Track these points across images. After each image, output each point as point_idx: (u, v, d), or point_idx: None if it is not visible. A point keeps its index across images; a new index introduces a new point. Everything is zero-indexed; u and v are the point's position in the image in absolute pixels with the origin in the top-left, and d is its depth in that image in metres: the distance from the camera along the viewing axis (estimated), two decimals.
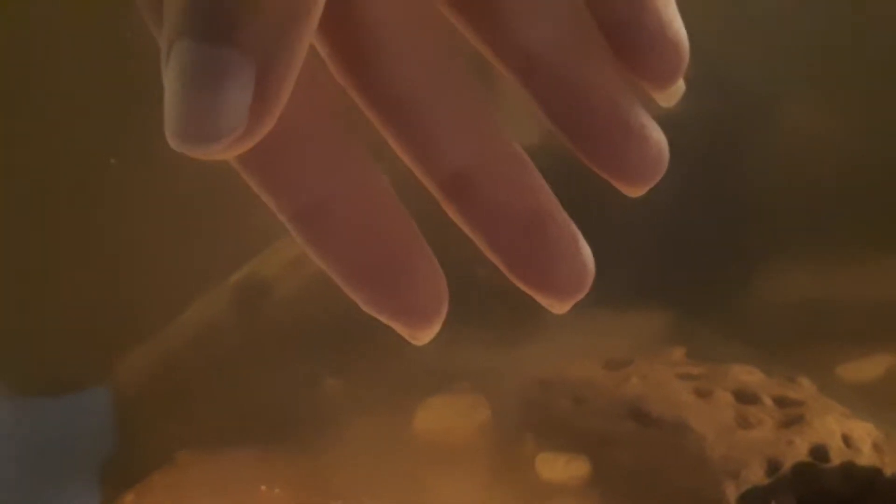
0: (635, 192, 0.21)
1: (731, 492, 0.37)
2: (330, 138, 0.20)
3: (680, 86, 0.21)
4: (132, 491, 0.42)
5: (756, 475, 0.37)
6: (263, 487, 0.42)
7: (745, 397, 0.43)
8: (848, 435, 0.40)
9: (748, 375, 0.45)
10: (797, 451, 0.38)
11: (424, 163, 0.20)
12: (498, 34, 0.20)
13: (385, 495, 0.46)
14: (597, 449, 0.44)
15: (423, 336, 0.20)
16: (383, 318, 0.20)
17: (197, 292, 0.60)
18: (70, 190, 0.54)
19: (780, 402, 0.43)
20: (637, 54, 0.20)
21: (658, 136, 0.20)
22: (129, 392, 0.56)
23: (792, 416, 0.42)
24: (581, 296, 0.21)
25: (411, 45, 0.20)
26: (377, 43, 0.20)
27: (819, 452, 0.39)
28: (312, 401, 0.54)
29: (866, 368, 0.48)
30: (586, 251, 0.21)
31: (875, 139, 0.57)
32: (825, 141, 0.58)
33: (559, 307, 0.21)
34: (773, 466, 0.38)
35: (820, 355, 0.50)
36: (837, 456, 0.38)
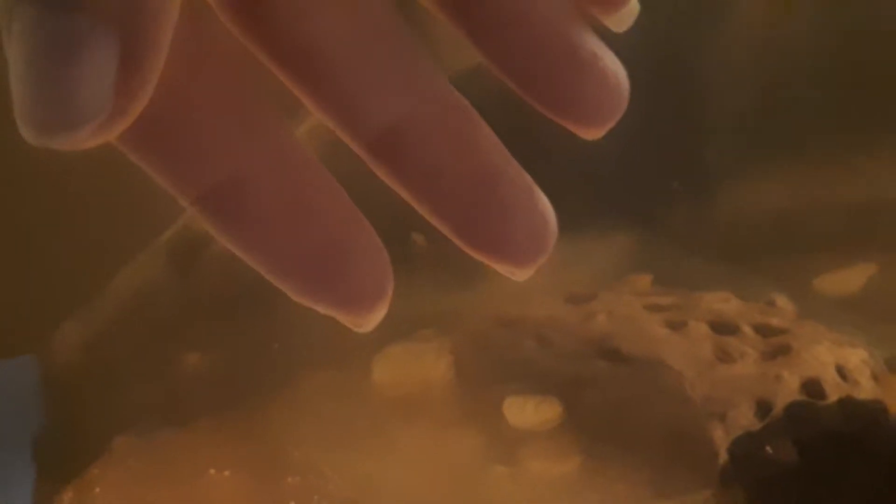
0: (593, 133, 0.18)
1: (720, 436, 0.35)
2: (230, 101, 0.17)
3: (633, 5, 0.18)
4: (70, 487, 0.39)
5: (745, 417, 0.35)
6: (212, 471, 0.39)
7: (722, 327, 0.41)
8: (842, 365, 0.37)
9: (723, 303, 0.42)
10: (788, 387, 0.36)
11: (346, 121, 0.18)
12: None
13: (347, 459, 0.44)
14: (567, 390, 0.42)
15: (367, 324, 0.18)
16: (320, 309, 0.17)
17: (128, 254, 0.57)
18: None
19: (762, 330, 0.40)
20: None
21: (615, 68, 0.18)
22: (61, 368, 0.54)
23: (777, 345, 0.39)
24: (543, 258, 0.18)
25: None
26: None
27: (812, 387, 0.36)
28: (259, 363, 0.52)
29: (846, 279, 0.46)
30: (544, 205, 0.18)
31: (833, 35, 0.55)
32: (782, 41, 0.56)
33: (520, 273, 0.19)
34: (763, 407, 0.36)
35: (795, 268, 0.48)
36: (833, 390, 0.36)
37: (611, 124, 0.18)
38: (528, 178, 0.18)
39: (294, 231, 0.17)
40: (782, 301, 0.45)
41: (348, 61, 0.17)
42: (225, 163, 0.17)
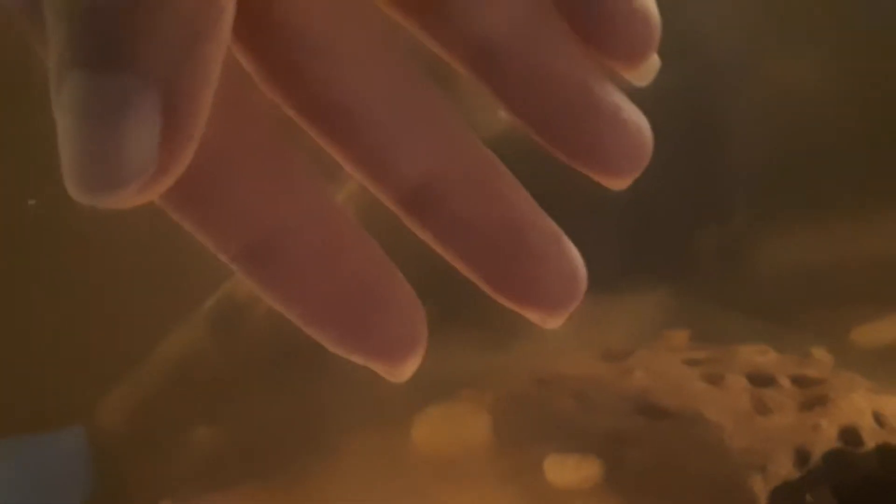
0: (618, 184, 0.19)
1: (760, 487, 0.35)
2: (268, 161, 0.18)
3: (654, 61, 0.19)
4: None
5: (784, 467, 0.35)
6: None
7: (759, 380, 0.41)
8: (880, 412, 0.37)
9: (760, 356, 0.42)
10: (825, 435, 0.35)
11: (378, 178, 0.18)
12: (445, 23, 0.18)
13: None
14: (607, 447, 0.42)
15: (402, 374, 0.18)
16: (356, 360, 0.18)
17: (172, 322, 0.58)
18: (31, 231, 0.52)
19: (799, 381, 0.40)
20: (605, 31, 0.18)
21: (637, 119, 0.19)
22: (107, 435, 0.54)
23: (813, 396, 0.39)
24: (574, 305, 0.19)
25: (346, 44, 0.18)
26: (305, 46, 0.17)
27: (850, 435, 0.36)
28: (300, 428, 0.52)
29: (883, 330, 0.46)
30: (573, 254, 0.19)
31: (863, 86, 0.55)
32: (812, 93, 0.56)
33: (551, 321, 0.19)
34: (801, 456, 0.35)
35: (831, 321, 0.47)
36: (871, 437, 0.35)
37: (635, 174, 0.19)
38: (555, 226, 0.19)
39: (330, 283, 0.17)
40: (819, 353, 0.45)
41: (379, 119, 0.18)
42: (263, 219, 0.17)
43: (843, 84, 0.56)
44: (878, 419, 0.37)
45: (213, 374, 0.57)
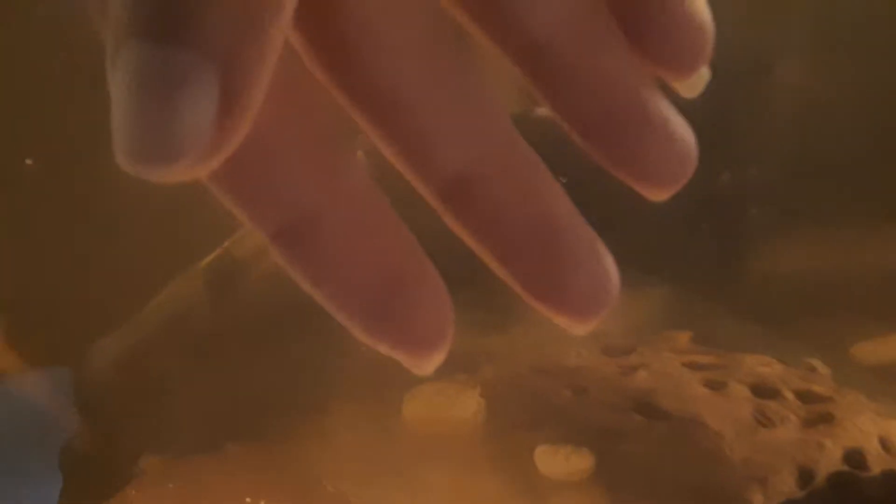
0: (659, 195, 0.18)
1: (760, 500, 0.35)
2: (312, 144, 0.17)
3: (704, 73, 0.19)
4: None
5: (786, 483, 0.35)
6: (248, 500, 0.39)
7: (763, 391, 0.41)
8: (885, 437, 0.37)
9: (764, 366, 0.42)
10: (830, 456, 0.35)
11: (419, 167, 0.18)
12: (498, 18, 0.18)
13: (378, 495, 0.44)
14: (600, 442, 0.42)
15: (427, 366, 0.18)
16: (382, 349, 0.17)
17: (167, 277, 0.58)
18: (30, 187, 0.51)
19: (803, 396, 0.40)
20: (657, 38, 0.18)
21: (684, 133, 0.18)
22: (98, 381, 0.54)
23: (819, 413, 0.39)
24: (603, 314, 0.18)
25: (399, 32, 0.17)
26: (360, 31, 0.17)
27: (855, 458, 0.36)
28: (291, 391, 0.52)
29: (883, 348, 0.46)
30: (608, 262, 0.18)
31: (871, 100, 0.55)
32: (820, 105, 0.56)
33: (580, 327, 0.19)
34: (804, 474, 0.35)
35: (832, 333, 0.47)
36: (876, 463, 0.35)
37: (676, 188, 0.18)
38: (591, 231, 0.18)
39: (362, 269, 0.17)
40: (818, 365, 0.45)
41: (427, 108, 0.17)
42: (303, 201, 0.17)
43: (855, 96, 0.56)
44: (884, 444, 0.37)
45: (205, 330, 0.57)
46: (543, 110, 0.20)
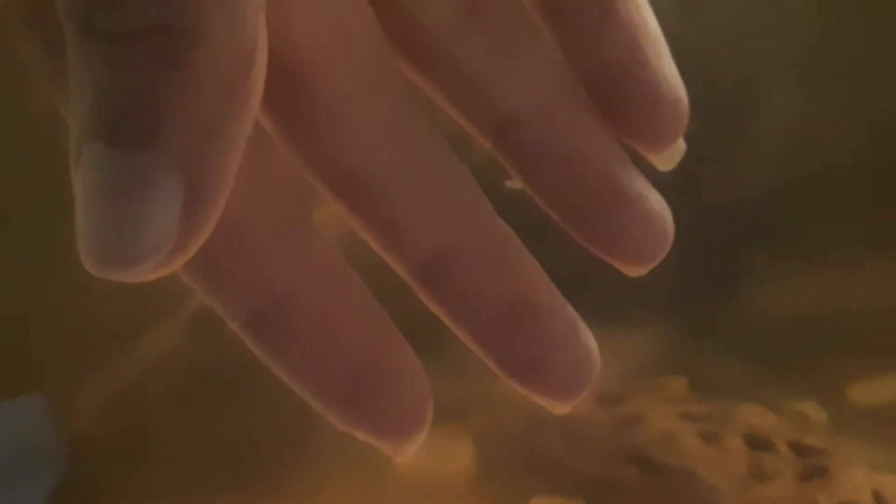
0: (637, 272, 0.19)
1: None
2: (281, 224, 0.17)
3: (680, 146, 0.19)
4: None
5: None
6: None
7: (757, 443, 0.40)
8: (879, 491, 0.37)
9: (757, 417, 0.42)
10: None
11: (393, 248, 0.18)
12: (467, 95, 0.18)
13: None
14: (595, 494, 0.41)
15: (404, 453, 0.18)
16: (359, 436, 0.18)
17: (152, 321, 0.58)
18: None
19: (798, 449, 0.40)
20: (632, 115, 0.18)
21: (660, 208, 0.19)
22: (80, 434, 0.54)
23: (813, 466, 0.39)
24: (584, 393, 0.19)
25: (367, 113, 0.18)
26: (327, 110, 0.17)
27: None
28: (279, 441, 0.51)
29: (880, 389, 0.46)
30: (588, 339, 0.19)
31: (866, 133, 0.55)
32: (815, 138, 0.56)
33: (559, 407, 0.18)
34: None
35: (828, 373, 0.47)
36: None
37: (653, 264, 0.19)
38: (571, 310, 0.18)
39: (336, 356, 0.17)
40: (813, 409, 0.45)
41: (396, 189, 0.17)
42: (274, 286, 0.17)
43: (850, 130, 0.56)
44: (878, 498, 0.37)
45: (191, 375, 0.57)
46: (515, 182, 0.19)
